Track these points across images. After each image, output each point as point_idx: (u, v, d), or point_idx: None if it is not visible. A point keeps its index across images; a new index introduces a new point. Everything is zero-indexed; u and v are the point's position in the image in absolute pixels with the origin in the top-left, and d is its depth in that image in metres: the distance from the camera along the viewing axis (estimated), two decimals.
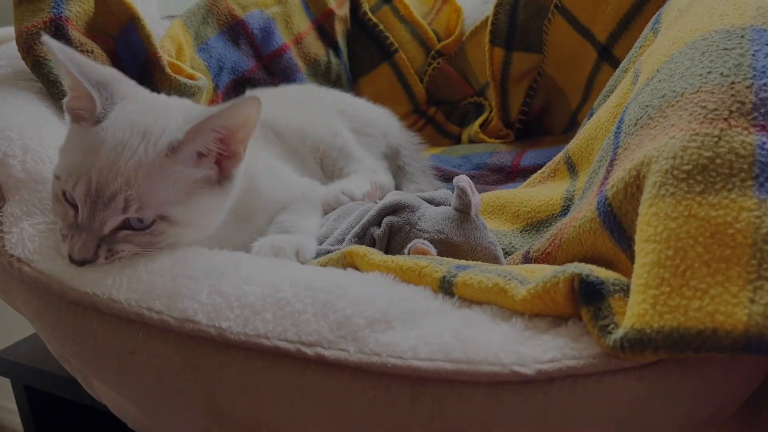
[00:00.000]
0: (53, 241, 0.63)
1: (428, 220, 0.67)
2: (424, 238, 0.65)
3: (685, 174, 0.45)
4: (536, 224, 0.76)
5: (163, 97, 0.72)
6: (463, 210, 0.66)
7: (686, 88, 0.51)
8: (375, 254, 0.60)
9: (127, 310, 0.55)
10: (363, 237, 0.69)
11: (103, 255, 0.60)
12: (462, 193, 0.66)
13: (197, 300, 0.54)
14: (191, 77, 0.95)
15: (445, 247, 0.65)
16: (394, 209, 0.69)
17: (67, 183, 0.60)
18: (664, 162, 0.47)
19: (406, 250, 0.63)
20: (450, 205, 0.69)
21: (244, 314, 0.52)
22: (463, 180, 0.66)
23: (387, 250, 0.68)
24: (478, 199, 0.67)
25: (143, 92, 0.69)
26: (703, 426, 0.45)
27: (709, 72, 0.51)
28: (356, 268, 0.61)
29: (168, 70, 0.90)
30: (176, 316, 0.53)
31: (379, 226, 0.69)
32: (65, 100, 0.64)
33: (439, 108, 1.45)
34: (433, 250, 0.62)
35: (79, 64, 0.61)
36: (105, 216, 0.59)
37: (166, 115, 0.64)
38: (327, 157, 1.00)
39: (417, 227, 0.66)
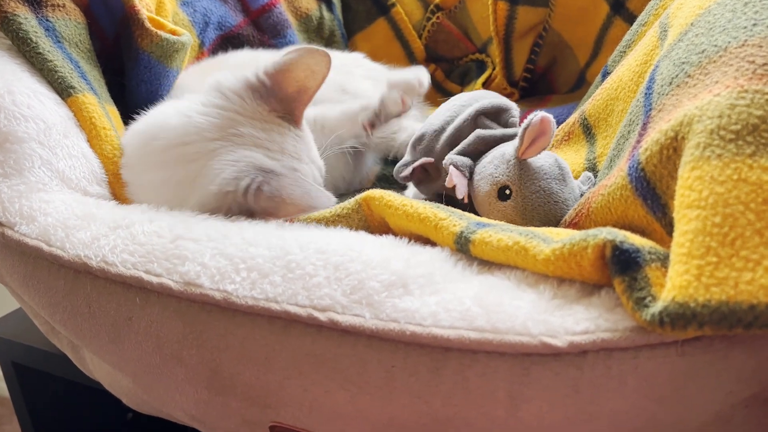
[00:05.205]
0: (36, 203, 0.59)
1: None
2: None
3: (734, 134, 0.42)
4: None
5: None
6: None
7: (729, 42, 0.48)
8: (393, 196, 0.56)
9: (124, 274, 0.51)
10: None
11: None
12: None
13: (200, 262, 0.50)
14: (174, 33, 0.87)
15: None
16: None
17: None
18: (708, 122, 0.43)
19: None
20: None
21: (251, 277, 0.49)
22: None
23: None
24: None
25: None
26: (743, 406, 0.42)
27: (754, 24, 0.47)
28: (371, 213, 0.58)
29: (148, 24, 0.83)
30: (177, 280, 0.50)
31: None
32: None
33: (438, 65, 1.39)
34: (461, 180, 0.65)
35: None
36: None
37: None
38: None
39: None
